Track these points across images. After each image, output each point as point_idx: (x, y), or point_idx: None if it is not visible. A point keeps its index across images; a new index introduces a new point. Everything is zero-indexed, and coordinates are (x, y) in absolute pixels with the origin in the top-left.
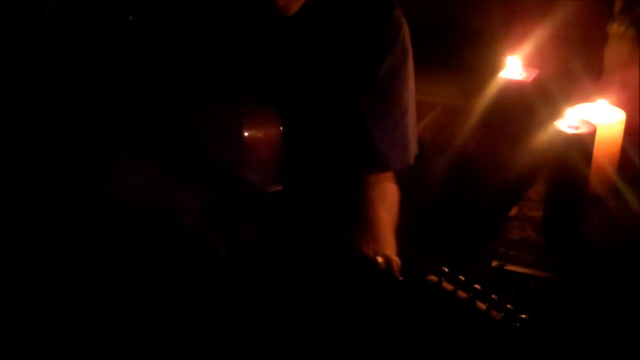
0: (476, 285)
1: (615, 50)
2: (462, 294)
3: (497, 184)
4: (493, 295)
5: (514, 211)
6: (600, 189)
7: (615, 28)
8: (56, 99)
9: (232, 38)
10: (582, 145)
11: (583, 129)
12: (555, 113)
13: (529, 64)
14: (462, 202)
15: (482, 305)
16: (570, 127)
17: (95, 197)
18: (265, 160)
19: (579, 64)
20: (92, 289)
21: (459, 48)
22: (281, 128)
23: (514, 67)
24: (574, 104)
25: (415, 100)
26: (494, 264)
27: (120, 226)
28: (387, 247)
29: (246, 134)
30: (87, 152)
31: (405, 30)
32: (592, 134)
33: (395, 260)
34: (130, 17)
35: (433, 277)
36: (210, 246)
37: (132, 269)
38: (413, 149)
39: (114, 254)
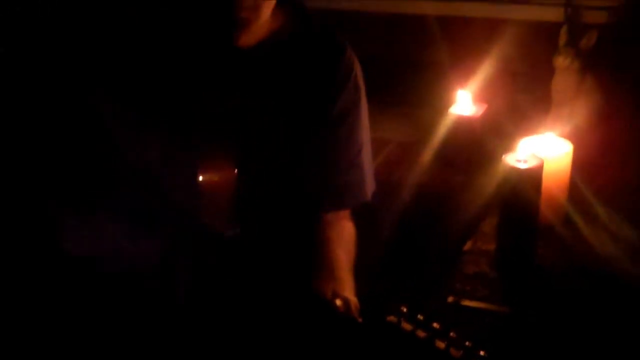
0: (435, 324)
1: (562, 82)
2: (421, 333)
3: (451, 219)
4: (451, 333)
5: (468, 245)
6: (551, 220)
7: (560, 61)
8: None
9: (188, 77)
10: (531, 178)
11: (531, 163)
12: (505, 146)
13: (478, 98)
14: (418, 237)
15: (441, 344)
16: (519, 160)
17: (49, 252)
18: (221, 204)
19: (527, 97)
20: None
21: (411, 84)
22: (236, 170)
23: (463, 102)
24: (523, 137)
25: (369, 138)
26: (450, 299)
27: (76, 279)
28: (345, 287)
29: (201, 177)
30: (38, 206)
31: (358, 69)
32: (540, 167)
33: (354, 301)
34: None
35: (392, 318)
36: (169, 293)
37: (88, 318)
38: (370, 186)
39: (71, 306)
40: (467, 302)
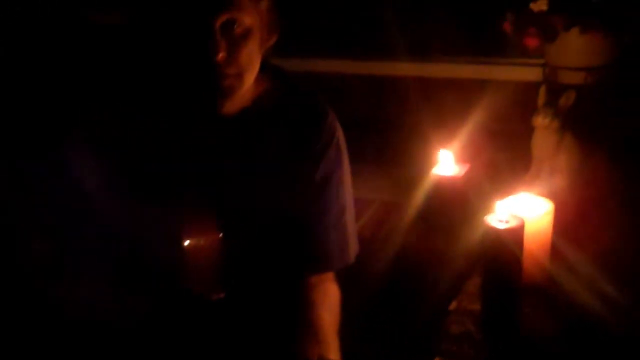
0: None
1: (542, 141)
2: None
3: (436, 278)
4: None
5: (453, 305)
6: (535, 280)
7: (540, 120)
8: None
9: (173, 144)
10: (512, 238)
11: (512, 223)
12: (487, 206)
13: (460, 158)
14: (402, 297)
15: None
16: (500, 221)
17: (36, 311)
18: (206, 267)
19: (507, 156)
20: None
21: (394, 145)
22: (221, 234)
23: (446, 162)
24: (504, 197)
25: (353, 200)
26: None
27: (63, 336)
28: (330, 349)
29: (186, 242)
30: (26, 265)
31: (340, 134)
32: (521, 228)
33: None
34: None
35: None
36: (151, 353)
37: None
38: (353, 248)
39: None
40: None
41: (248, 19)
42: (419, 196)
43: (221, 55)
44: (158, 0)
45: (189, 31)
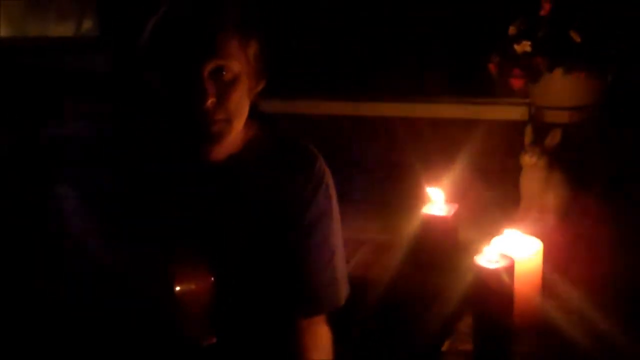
0: None
1: (530, 179)
2: None
3: (427, 319)
4: None
5: (445, 345)
6: (526, 319)
7: (527, 159)
8: None
9: (162, 192)
10: (503, 278)
11: (502, 263)
12: (477, 245)
13: (449, 197)
14: (394, 338)
15: None
16: (490, 261)
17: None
18: (198, 312)
19: (496, 194)
20: None
21: (383, 185)
22: (212, 279)
23: (435, 202)
24: (493, 236)
25: (343, 241)
26: None
27: None
28: None
29: (178, 288)
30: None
31: (328, 178)
32: (511, 268)
33: None
34: None
35: None
36: None
37: None
38: (344, 290)
39: None
40: None
41: (236, 66)
42: (409, 236)
43: (210, 101)
44: (146, 46)
45: (178, 78)
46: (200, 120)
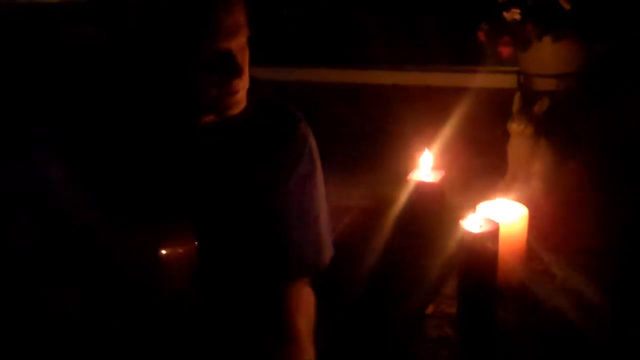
0: None
1: (517, 147)
2: None
3: (413, 283)
4: None
5: (430, 309)
6: (510, 282)
7: (514, 126)
8: None
9: (148, 155)
10: (488, 242)
11: (487, 227)
12: (463, 211)
13: (436, 164)
14: (380, 303)
15: None
16: (475, 226)
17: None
18: (182, 276)
19: (483, 161)
20: None
21: (371, 152)
22: (196, 243)
23: (422, 169)
24: (480, 202)
25: (327, 205)
26: None
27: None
28: (305, 353)
29: (163, 251)
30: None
31: (312, 140)
32: (495, 231)
33: None
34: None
35: None
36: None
37: None
38: (328, 251)
39: None
40: None
41: (247, 31)
42: (396, 202)
43: (244, 74)
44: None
45: (209, 56)
46: (229, 92)
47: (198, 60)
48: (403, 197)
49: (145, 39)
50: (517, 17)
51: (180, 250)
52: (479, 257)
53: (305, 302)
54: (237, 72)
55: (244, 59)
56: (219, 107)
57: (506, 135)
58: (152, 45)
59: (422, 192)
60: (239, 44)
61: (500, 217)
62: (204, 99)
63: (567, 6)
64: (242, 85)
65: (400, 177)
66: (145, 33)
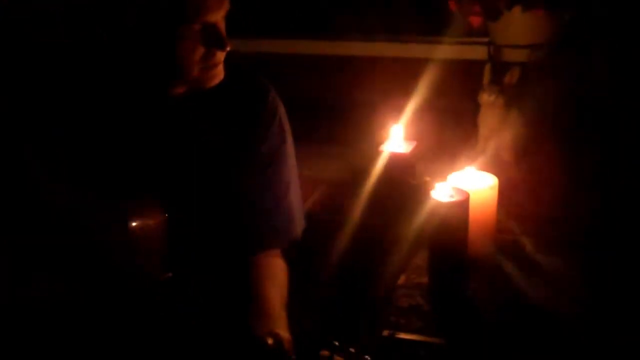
0: (366, 357)
1: (488, 117)
2: None
3: (384, 254)
4: None
5: (402, 279)
6: (480, 253)
7: (485, 97)
8: None
9: (117, 126)
10: (458, 212)
11: (457, 197)
12: (434, 182)
13: (407, 135)
14: (352, 274)
15: None
16: (445, 195)
17: None
18: (153, 248)
19: (454, 132)
20: None
21: (341, 123)
22: (166, 215)
23: (394, 140)
24: (450, 173)
25: (298, 177)
26: (386, 333)
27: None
28: (278, 323)
29: (133, 224)
30: None
31: (282, 111)
32: (466, 201)
33: (287, 337)
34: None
35: (325, 352)
36: (102, 334)
37: None
38: (299, 223)
39: None
40: (402, 335)
41: (227, 6)
42: (367, 173)
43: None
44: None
45: (197, 29)
46: (212, 64)
47: (186, 33)
48: (374, 169)
49: (138, 22)
50: None
51: (150, 223)
52: (449, 227)
53: (277, 273)
54: (222, 45)
55: (225, 29)
56: (201, 79)
57: (477, 106)
58: (143, 23)
59: (393, 163)
60: (222, 17)
61: (470, 186)
62: (188, 71)
63: None
64: (223, 57)
65: (371, 148)
66: (138, 12)
